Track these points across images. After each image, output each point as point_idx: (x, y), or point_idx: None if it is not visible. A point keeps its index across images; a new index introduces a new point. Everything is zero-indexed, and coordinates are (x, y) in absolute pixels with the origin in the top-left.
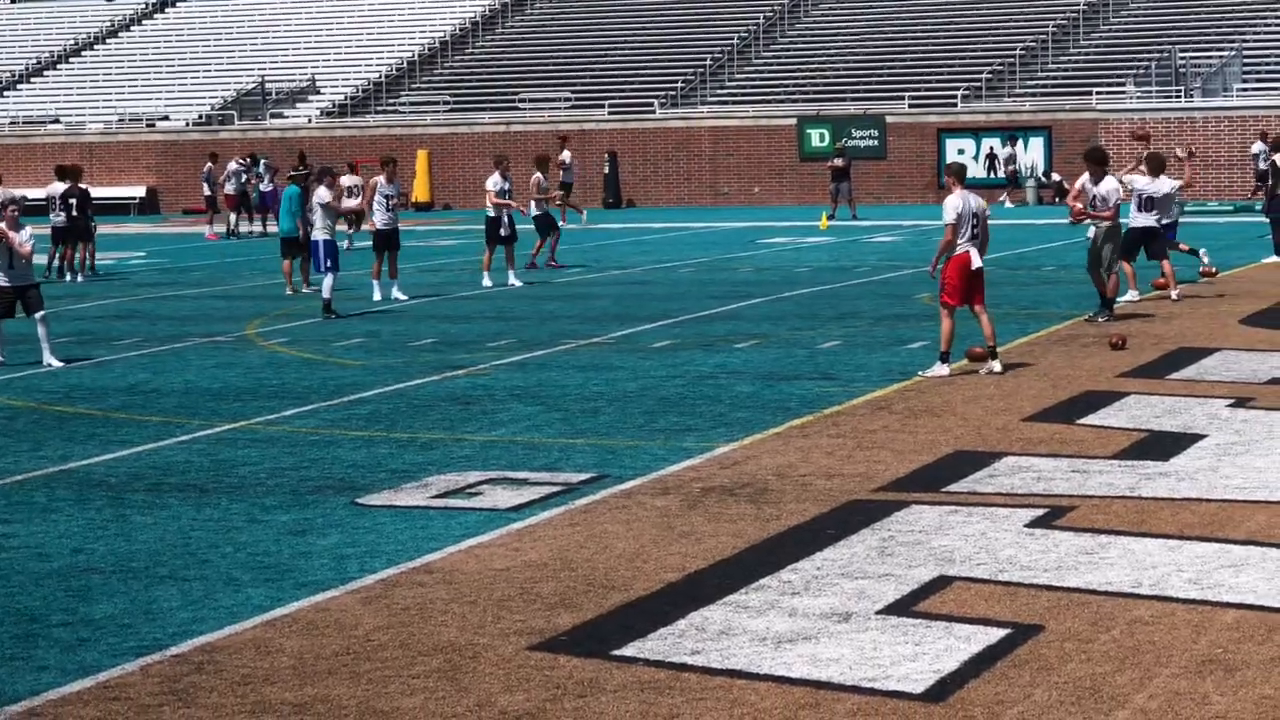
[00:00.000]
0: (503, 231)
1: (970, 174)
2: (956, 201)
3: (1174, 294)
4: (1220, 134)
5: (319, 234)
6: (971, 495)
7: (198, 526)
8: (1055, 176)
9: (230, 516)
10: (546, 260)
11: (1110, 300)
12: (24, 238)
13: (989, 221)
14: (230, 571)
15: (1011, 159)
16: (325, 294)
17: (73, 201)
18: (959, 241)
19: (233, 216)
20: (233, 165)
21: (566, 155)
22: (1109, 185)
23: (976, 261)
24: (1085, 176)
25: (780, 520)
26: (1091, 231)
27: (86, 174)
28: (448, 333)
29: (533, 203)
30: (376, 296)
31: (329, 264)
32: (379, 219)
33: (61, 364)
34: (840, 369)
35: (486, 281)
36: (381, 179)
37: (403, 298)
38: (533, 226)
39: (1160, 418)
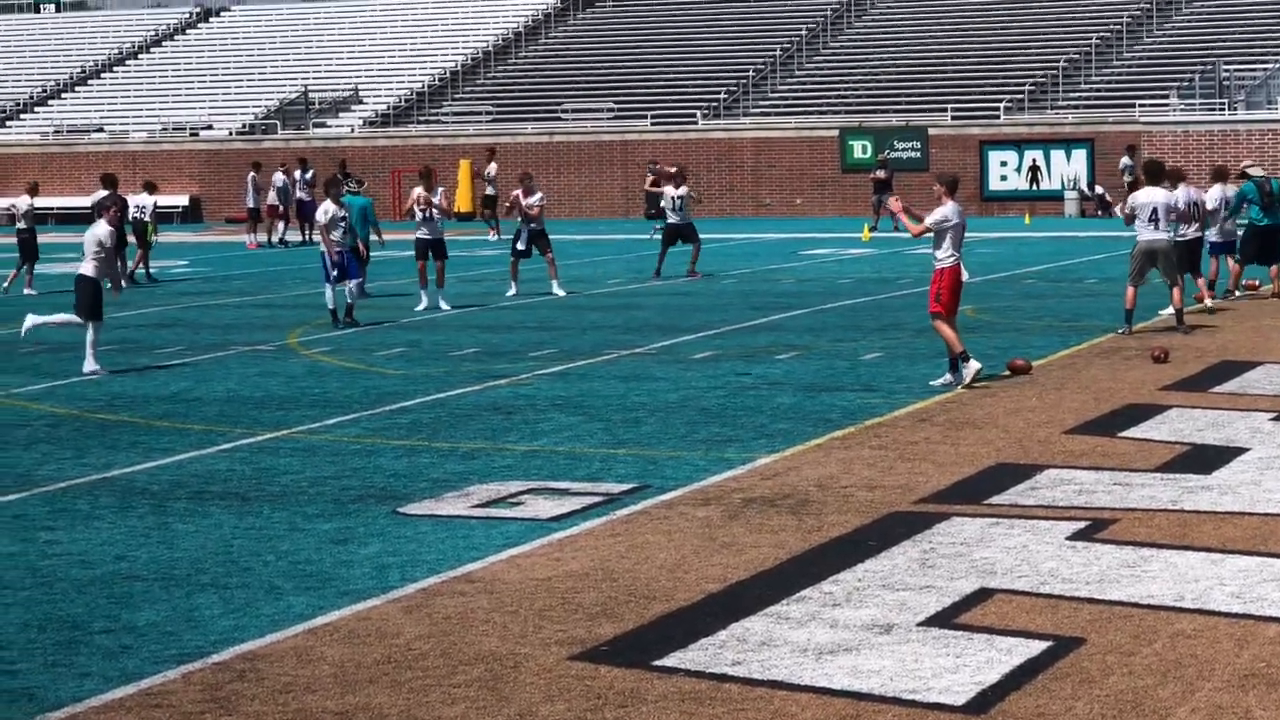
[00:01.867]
0: (519, 245)
1: (1012, 186)
2: (948, 212)
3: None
4: (1265, 146)
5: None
6: (1013, 508)
7: (239, 535)
8: (1098, 189)
9: (272, 525)
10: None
11: (1179, 311)
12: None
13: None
14: (272, 580)
15: (1129, 169)
16: (330, 305)
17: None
18: (949, 254)
19: (280, 225)
20: (278, 177)
21: (493, 168)
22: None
23: (966, 274)
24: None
25: (822, 531)
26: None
27: (129, 183)
28: (489, 342)
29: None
30: (421, 305)
31: (335, 275)
32: (424, 228)
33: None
34: (882, 380)
35: (511, 291)
36: (420, 190)
37: (446, 307)
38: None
39: (1203, 431)
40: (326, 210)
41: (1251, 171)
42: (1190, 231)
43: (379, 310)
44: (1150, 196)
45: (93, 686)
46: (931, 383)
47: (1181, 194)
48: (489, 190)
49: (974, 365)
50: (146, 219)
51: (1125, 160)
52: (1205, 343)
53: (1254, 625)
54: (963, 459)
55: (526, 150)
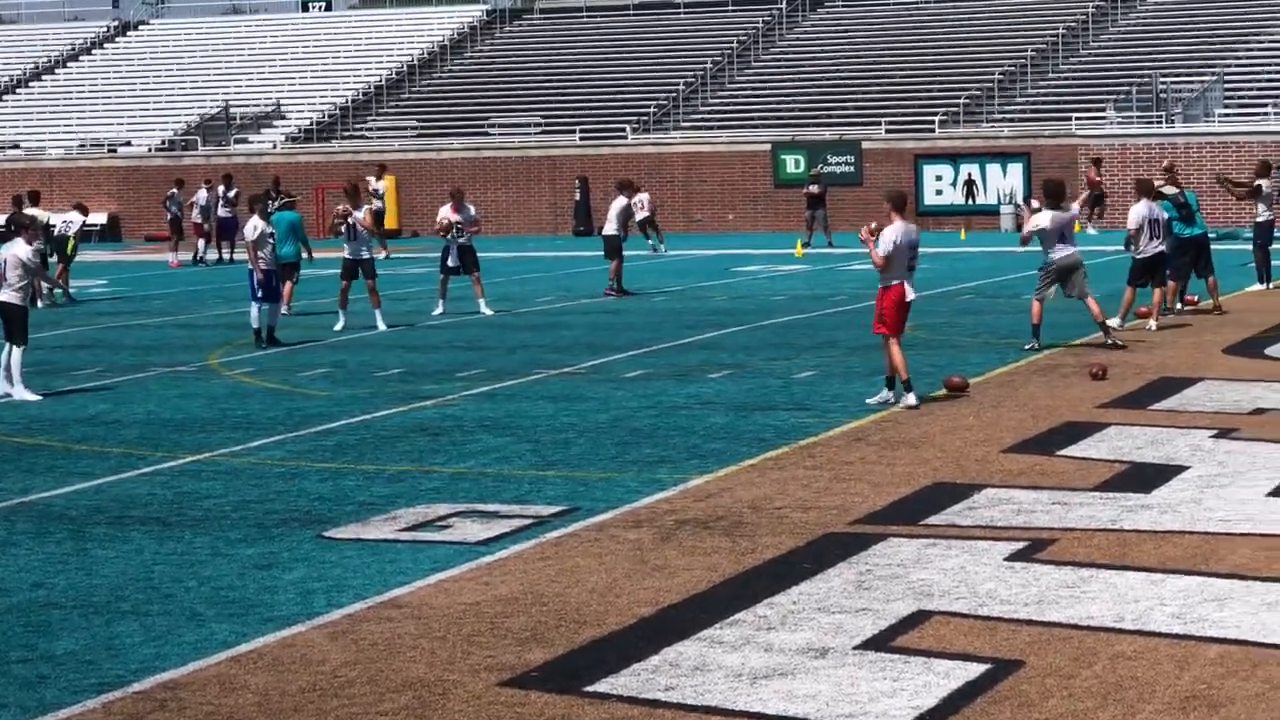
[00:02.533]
0: (450, 263)
1: (948, 200)
2: (892, 234)
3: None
4: (1202, 160)
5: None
6: (950, 528)
7: (161, 560)
8: (1034, 204)
9: (194, 550)
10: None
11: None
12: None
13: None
14: (194, 606)
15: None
16: (255, 324)
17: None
18: (894, 274)
19: (200, 244)
20: (201, 194)
21: (382, 185)
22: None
23: (910, 294)
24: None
25: (755, 553)
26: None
27: (46, 200)
28: (415, 362)
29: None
30: (340, 324)
31: (261, 294)
32: (349, 247)
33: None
34: (816, 399)
35: (438, 309)
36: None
37: (382, 327)
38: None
39: (1142, 449)
40: (255, 227)
41: (1164, 190)
42: (1150, 247)
43: (303, 330)
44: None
45: (9, 718)
46: (868, 400)
47: (1143, 208)
48: (377, 204)
49: (911, 399)
50: (69, 235)
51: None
52: (1144, 359)
53: (1195, 646)
54: (899, 479)
55: (453, 166)
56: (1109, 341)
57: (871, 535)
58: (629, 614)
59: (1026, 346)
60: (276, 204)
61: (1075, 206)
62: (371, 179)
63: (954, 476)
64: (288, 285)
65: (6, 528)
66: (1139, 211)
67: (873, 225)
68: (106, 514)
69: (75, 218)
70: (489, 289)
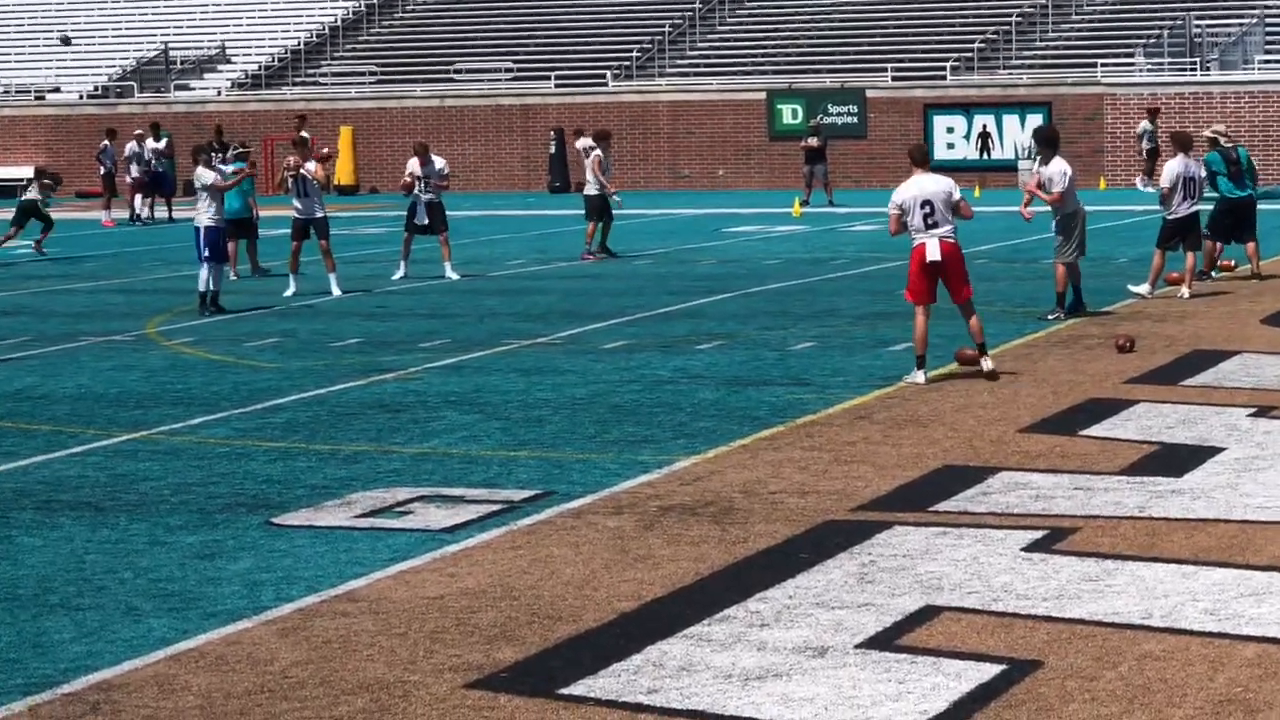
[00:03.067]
0: (418, 220)
1: (960, 155)
2: (901, 189)
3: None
4: (1241, 111)
5: (203, 219)
6: (962, 515)
7: (93, 549)
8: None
9: (130, 538)
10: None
11: (1060, 296)
12: None
13: (963, 205)
14: (130, 600)
15: (1149, 136)
16: (202, 287)
17: None
18: (913, 233)
19: (137, 200)
20: (130, 146)
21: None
22: (1057, 167)
23: (933, 253)
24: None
25: (747, 543)
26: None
27: None
28: (374, 331)
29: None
30: (290, 290)
31: (208, 254)
32: (299, 203)
33: None
34: (815, 373)
35: (399, 273)
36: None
37: (337, 292)
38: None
39: (1173, 429)
40: (200, 176)
41: (1214, 135)
42: (1183, 207)
43: (250, 296)
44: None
45: None
46: (906, 379)
47: (1178, 164)
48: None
49: (914, 376)
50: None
51: (1145, 125)
52: (1175, 330)
53: (1229, 645)
54: (906, 461)
55: (416, 116)
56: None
57: (875, 523)
58: (608, 609)
59: (1051, 316)
60: (231, 154)
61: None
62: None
63: (966, 459)
64: (230, 245)
65: None
66: (1173, 168)
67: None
68: (33, 498)
69: None
70: (455, 250)
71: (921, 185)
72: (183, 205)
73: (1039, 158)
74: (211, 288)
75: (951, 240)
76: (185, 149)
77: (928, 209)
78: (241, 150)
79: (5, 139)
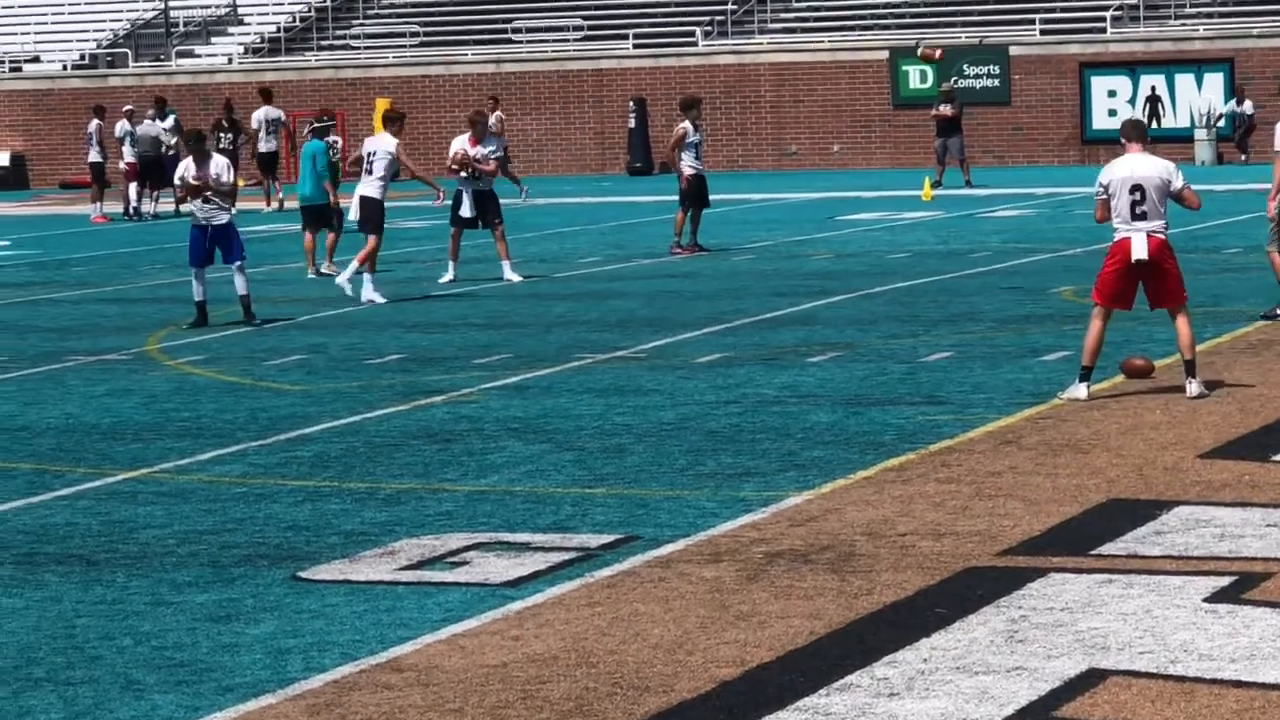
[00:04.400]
0: (464, 212)
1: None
2: (1108, 168)
3: None
4: None
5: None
6: (1131, 559)
7: (85, 611)
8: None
9: (129, 597)
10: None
11: None
12: None
13: (1187, 193)
14: (129, 671)
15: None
16: (198, 296)
17: None
18: (1115, 222)
19: (132, 190)
20: (121, 125)
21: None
22: None
23: (1139, 251)
24: None
25: (872, 595)
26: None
27: None
28: (418, 345)
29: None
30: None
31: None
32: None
33: None
34: (951, 390)
35: (447, 275)
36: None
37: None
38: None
39: None
40: (186, 167)
41: None
42: None
43: (270, 304)
44: None
45: None
46: (1062, 395)
47: None
48: (264, 143)
49: (1075, 389)
50: None
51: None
52: None
53: None
54: (1063, 495)
55: (466, 84)
56: None
57: (1027, 570)
58: (706, 677)
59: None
60: (309, 129)
61: None
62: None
63: (1135, 491)
64: (307, 237)
65: None
66: None
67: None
68: (13, 550)
69: None
70: (515, 246)
71: (1133, 166)
72: None
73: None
74: (241, 292)
75: (1161, 236)
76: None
77: (1137, 195)
78: (325, 123)
79: None
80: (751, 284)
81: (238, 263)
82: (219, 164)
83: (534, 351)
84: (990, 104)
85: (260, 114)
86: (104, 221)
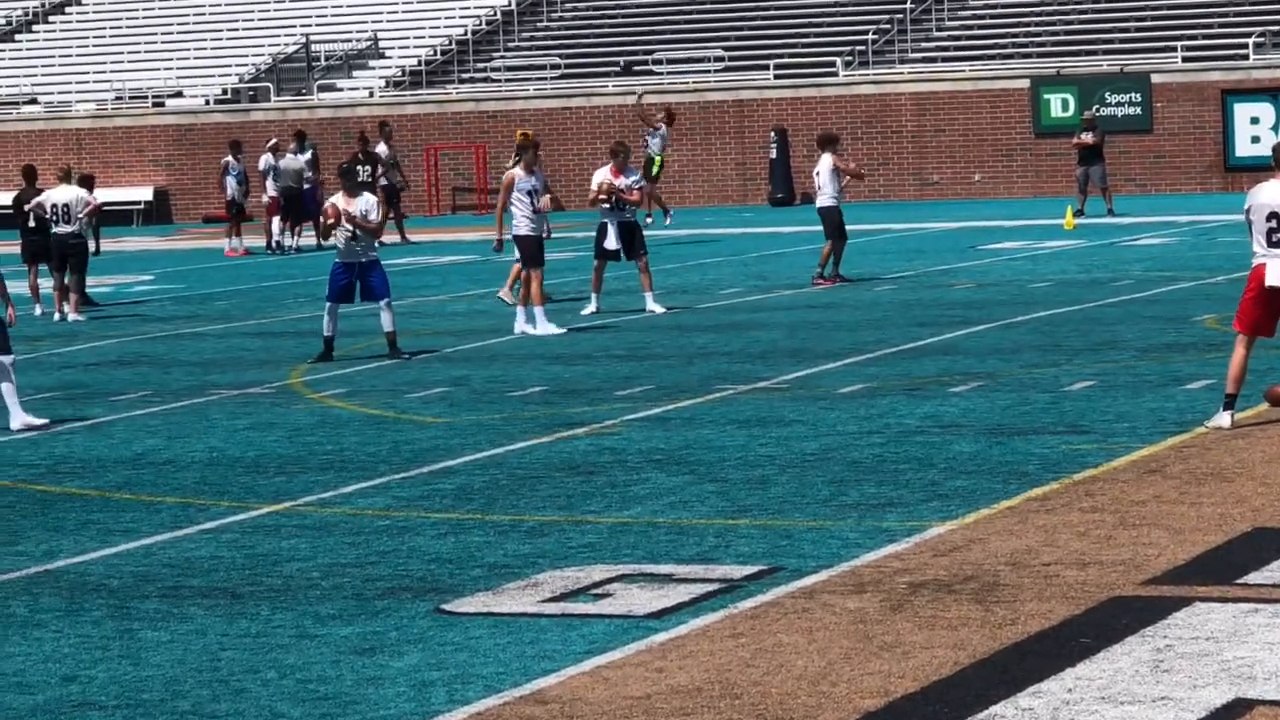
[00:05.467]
0: (608, 244)
1: (1269, 150)
2: (1252, 193)
3: None
4: None
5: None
6: (1278, 589)
7: (229, 644)
8: None
9: (273, 630)
10: None
11: None
12: None
13: None
14: (274, 704)
15: None
16: (386, 325)
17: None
18: (1254, 248)
19: (275, 224)
20: (265, 159)
21: (382, 148)
22: None
23: (1274, 278)
24: None
25: (1017, 625)
26: None
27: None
28: (561, 378)
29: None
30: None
31: (339, 293)
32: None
33: (44, 423)
34: (1095, 419)
35: (590, 307)
36: (519, 171)
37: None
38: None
39: None
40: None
41: None
42: None
43: (414, 337)
44: None
45: None
46: (1207, 424)
47: None
48: (383, 178)
49: (1220, 418)
50: (75, 227)
51: None
52: None
53: None
54: (1207, 524)
55: (605, 116)
56: None
57: (1172, 599)
58: (850, 708)
59: None
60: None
61: None
62: (383, 146)
63: None
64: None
65: (28, 603)
66: None
67: None
68: (158, 584)
69: (72, 195)
70: (657, 278)
71: (1274, 193)
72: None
73: None
74: (388, 328)
75: None
76: (330, 161)
77: (1274, 222)
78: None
79: (119, 154)
80: (893, 314)
81: (385, 300)
82: (368, 201)
83: (676, 383)
84: (1132, 131)
85: (270, 158)
86: (237, 255)
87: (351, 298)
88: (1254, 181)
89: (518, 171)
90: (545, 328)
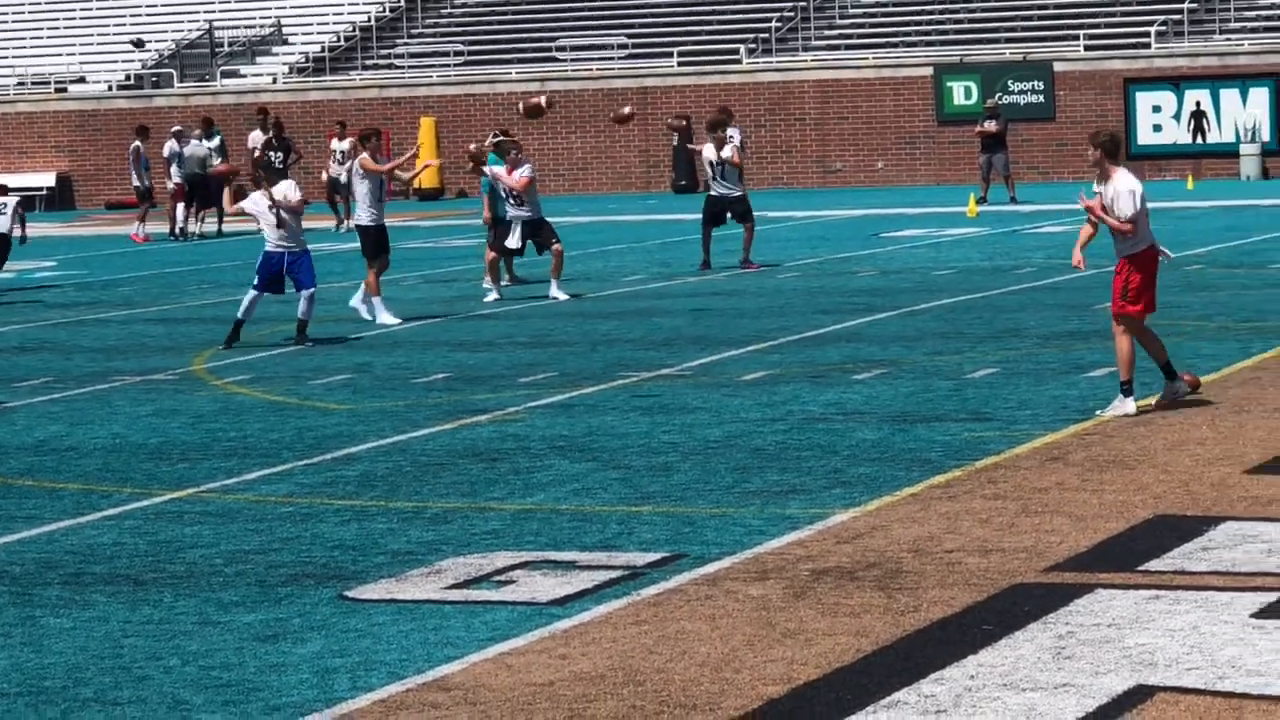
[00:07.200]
0: (511, 243)
1: (1169, 139)
2: (1130, 184)
3: None
4: None
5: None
6: (1178, 575)
7: (132, 631)
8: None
9: (176, 617)
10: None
11: None
12: None
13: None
14: (176, 691)
15: None
16: (241, 314)
17: None
18: (1144, 235)
19: (179, 210)
20: (170, 145)
21: (344, 144)
22: None
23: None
24: None
25: (919, 612)
26: None
27: None
28: (464, 364)
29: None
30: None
31: (267, 282)
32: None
33: None
34: (997, 406)
35: (492, 294)
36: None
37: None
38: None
39: None
40: (256, 201)
41: None
42: None
43: (320, 325)
44: None
45: None
46: (1102, 412)
47: None
48: (338, 173)
49: (1122, 405)
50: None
51: None
52: None
53: None
54: (1110, 511)
55: (509, 103)
56: None
57: (1073, 586)
58: (753, 695)
59: None
60: (488, 143)
61: None
62: (337, 141)
63: (1183, 507)
64: (497, 255)
65: None
66: None
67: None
68: (60, 571)
69: None
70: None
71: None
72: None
73: None
74: (300, 316)
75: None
76: (236, 146)
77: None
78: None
79: (21, 140)
80: (796, 301)
81: (309, 291)
82: (287, 185)
83: (580, 370)
84: (1034, 120)
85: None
86: (143, 241)
87: (280, 288)
88: (1157, 170)
89: (366, 158)
90: (384, 317)
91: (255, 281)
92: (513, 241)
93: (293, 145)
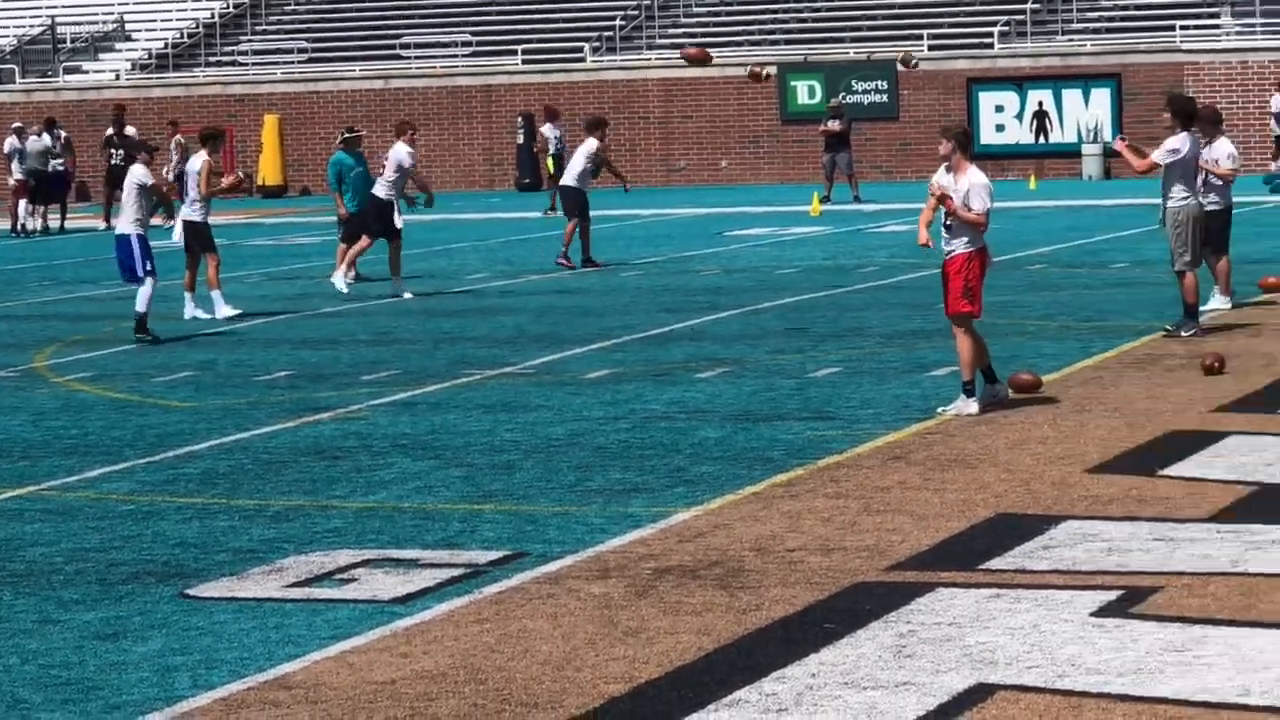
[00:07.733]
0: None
1: (1012, 138)
2: (984, 179)
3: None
4: None
5: (130, 227)
6: (1019, 574)
7: None
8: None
9: (14, 616)
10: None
11: (1193, 308)
12: None
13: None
14: (15, 690)
15: None
16: (141, 308)
17: None
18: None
19: (21, 207)
20: (9, 142)
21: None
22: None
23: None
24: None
25: (761, 611)
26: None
27: None
28: (307, 362)
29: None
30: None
31: (148, 268)
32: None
33: None
34: (840, 405)
35: (341, 285)
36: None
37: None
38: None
39: (1272, 465)
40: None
41: None
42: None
43: (161, 322)
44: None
45: None
46: (943, 410)
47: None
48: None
49: (965, 404)
50: None
51: None
52: (1275, 347)
53: None
54: (951, 510)
55: (354, 100)
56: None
57: (914, 585)
58: (594, 693)
59: (1186, 333)
60: (339, 141)
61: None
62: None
63: (1023, 506)
64: (348, 247)
65: None
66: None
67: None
68: None
69: None
70: (404, 263)
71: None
72: (80, 213)
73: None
74: (140, 309)
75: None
76: (82, 143)
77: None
78: (351, 136)
79: None
80: (640, 300)
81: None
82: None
83: (422, 368)
84: (878, 119)
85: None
86: None
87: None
88: (999, 170)
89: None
90: (222, 310)
91: (148, 269)
92: (398, 221)
93: (144, 143)
